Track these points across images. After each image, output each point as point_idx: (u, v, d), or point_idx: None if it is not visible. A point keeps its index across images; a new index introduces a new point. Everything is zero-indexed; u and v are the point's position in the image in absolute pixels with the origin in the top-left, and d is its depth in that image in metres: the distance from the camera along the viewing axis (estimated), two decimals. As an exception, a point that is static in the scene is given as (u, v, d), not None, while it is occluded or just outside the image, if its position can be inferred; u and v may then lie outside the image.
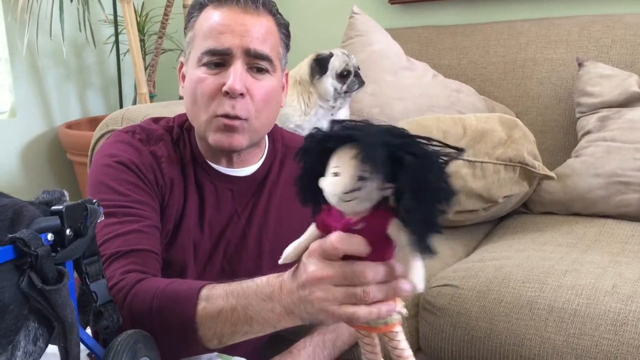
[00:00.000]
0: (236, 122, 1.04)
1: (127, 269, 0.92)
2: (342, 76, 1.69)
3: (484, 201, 1.54)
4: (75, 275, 0.74)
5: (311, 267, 0.71)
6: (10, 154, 2.47)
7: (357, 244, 0.67)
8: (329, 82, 1.69)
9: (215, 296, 0.83)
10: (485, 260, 1.36)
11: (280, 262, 0.75)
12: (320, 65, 1.70)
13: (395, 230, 0.64)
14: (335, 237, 0.68)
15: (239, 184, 1.13)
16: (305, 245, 0.74)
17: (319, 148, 0.66)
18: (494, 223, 1.74)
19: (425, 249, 0.62)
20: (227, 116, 1.03)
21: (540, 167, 1.54)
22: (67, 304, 0.68)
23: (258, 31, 1.04)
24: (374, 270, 0.67)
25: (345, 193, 0.63)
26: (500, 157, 1.52)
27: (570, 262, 1.29)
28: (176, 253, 1.08)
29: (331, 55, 1.70)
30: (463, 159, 1.52)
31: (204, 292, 0.84)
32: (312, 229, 0.73)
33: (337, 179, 0.63)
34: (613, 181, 1.59)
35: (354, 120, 0.67)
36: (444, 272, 1.35)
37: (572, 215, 1.65)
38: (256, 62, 1.04)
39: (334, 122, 0.67)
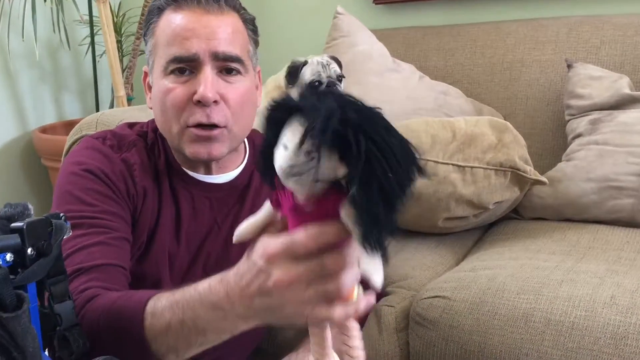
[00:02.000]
0: (214, 132, 0.98)
1: (86, 287, 0.86)
2: (312, 87, 1.59)
3: (474, 207, 1.49)
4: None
5: (276, 272, 0.63)
6: (-19, 160, 2.38)
7: (330, 233, 0.59)
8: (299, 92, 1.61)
9: (161, 309, 0.76)
10: (477, 269, 1.31)
11: (234, 241, 0.69)
12: (291, 74, 1.62)
13: (346, 217, 0.57)
14: (304, 234, 0.60)
15: (217, 191, 1.08)
16: (261, 223, 0.67)
17: (278, 119, 0.59)
18: (484, 229, 1.69)
19: (373, 247, 0.56)
20: (201, 126, 0.97)
21: (532, 172, 1.50)
22: (27, 332, 0.62)
23: (225, 31, 0.98)
24: (344, 258, 0.61)
25: (290, 167, 0.56)
26: (490, 162, 1.47)
27: (566, 271, 1.24)
28: (150, 266, 1.02)
29: (305, 63, 1.62)
30: (429, 160, 1.45)
31: (150, 304, 0.77)
32: (267, 206, 0.67)
33: (284, 152, 0.57)
34: (606, 186, 1.55)
35: (323, 90, 0.61)
36: (435, 283, 1.30)
37: (563, 221, 1.60)
38: (226, 65, 0.99)
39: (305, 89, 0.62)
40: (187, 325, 0.73)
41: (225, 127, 0.99)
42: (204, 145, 0.98)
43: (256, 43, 1.07)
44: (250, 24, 1.05)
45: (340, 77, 1.61)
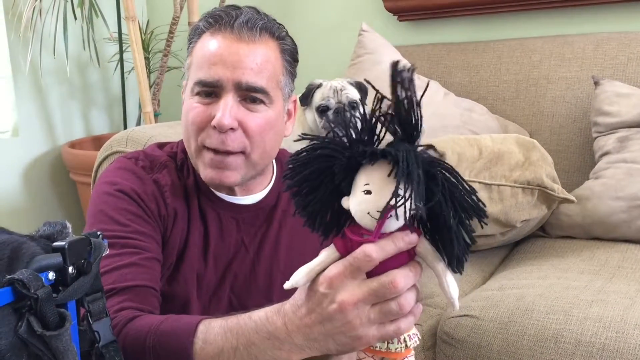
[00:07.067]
0: (228, 159, 0.99)
1: (121, 307, 0.87)
2: (320, 111, 1.59)
3: (501, 225, 1.49)
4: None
5: (341, 294, 0.67)
6: (12, 174, 2.42)
7: (392, 245, 0.65)
8: (311, 115, 1.62)
9: (214, 335, 0.78)
10: (505, 288, 1.31)
11: (286, 286, 0.70)
12: (305, 96, 1.63)
13: (424, 248, 0.66)
14: (367, 247, 0.64)
15: (243, 212, 1.08)
16: (321, 268, 0.69)
17: (343, 166, 0.64)
18: (510, 247, 1.68)
19: (460, 267, 0.64)
20: (216, 151, 0.99)
21: (560, 191, 1.49)
22: (68, 350, 0.63)
23: (252, 61, 0.98)
24: (403, 276, 0.66)
25: (379, 212, 0.62)
26: (518, 180, 1.46)
27: (596, 291, 1.23)
28: (179, 286, 1.03)
29: (319, 86, 1.62)
30: (480, 182, 1.46)
31: (201, 328, 0.79)
32: (329, 252, 0.69)
33: (371, 197, 0.62)
34: (635, 204, 1.53)
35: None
36: (462, 301, 1.29)
37: (592, 239, 1.59)
38: (249, 94, 0.99)
39: (354, 140, 0.65)
40: (240, 352, 0.75)
41: (242, 152, 0.99)
42: (216, 171, 0.99)
43: (292, 74, 1.06)
44: (288, 54, 1.04)
45: (353, 104, 1.58)
